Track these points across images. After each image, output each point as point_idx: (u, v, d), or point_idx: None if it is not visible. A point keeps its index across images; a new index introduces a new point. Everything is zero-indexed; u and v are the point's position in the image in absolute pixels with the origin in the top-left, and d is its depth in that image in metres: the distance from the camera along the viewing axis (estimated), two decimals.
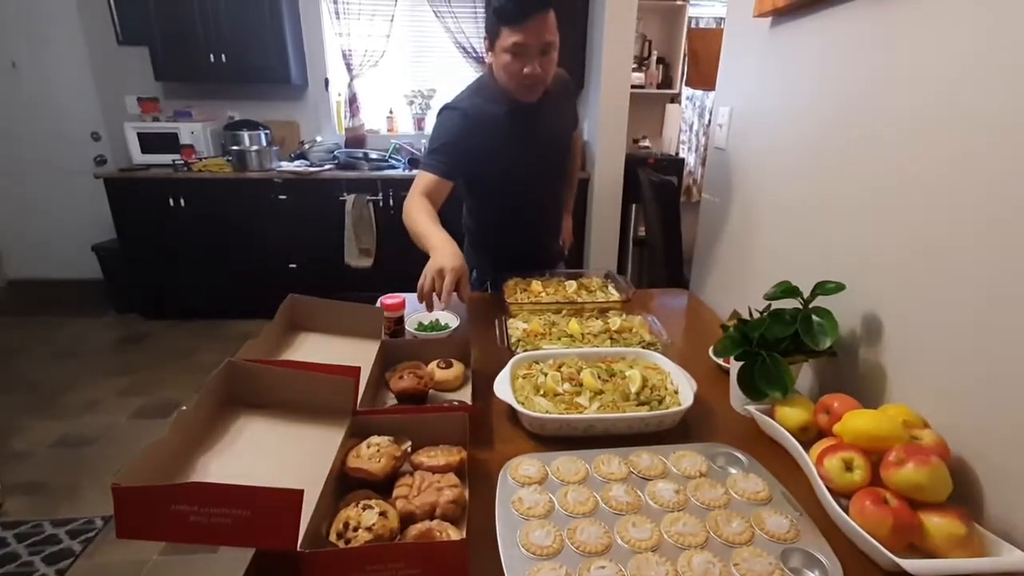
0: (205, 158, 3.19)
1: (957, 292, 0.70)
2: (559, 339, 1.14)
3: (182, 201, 3.04)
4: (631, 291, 1.33)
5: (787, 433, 0.78)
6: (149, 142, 3.25)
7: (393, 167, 3.26)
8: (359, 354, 0.97)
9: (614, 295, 1.35)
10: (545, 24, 1.18)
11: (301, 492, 0.53)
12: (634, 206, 3.36)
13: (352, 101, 3.49)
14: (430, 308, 1.14)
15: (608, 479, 0.73)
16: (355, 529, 0.60)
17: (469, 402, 0.93)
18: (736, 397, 0.94)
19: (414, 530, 0.63)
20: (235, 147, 3.12)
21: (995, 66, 0.65)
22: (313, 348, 0.99)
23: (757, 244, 1.23)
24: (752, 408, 0.86)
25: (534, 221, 1.54)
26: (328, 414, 0.77)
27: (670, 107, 3.59)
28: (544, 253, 1.61)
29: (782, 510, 0.67)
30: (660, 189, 2.46)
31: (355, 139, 3.47)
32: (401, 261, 3.25)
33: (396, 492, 0.69)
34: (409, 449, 0.78)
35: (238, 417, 0.74)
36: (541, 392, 0.90)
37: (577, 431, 0.84)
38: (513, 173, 1.39)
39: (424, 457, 0.75)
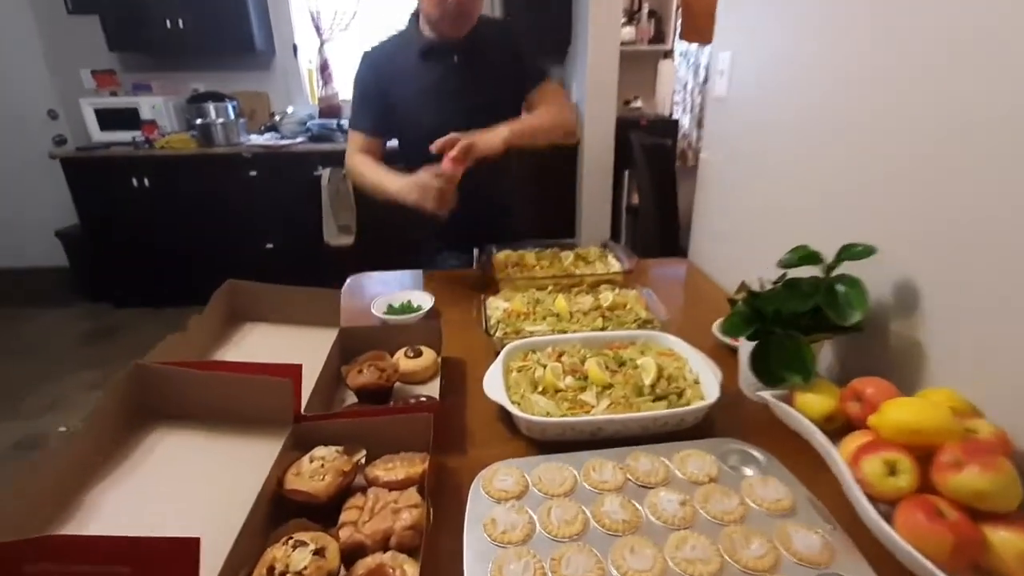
0: (168, 134, 2.99)
1: (1013, 252, 0.57)
2: (544, 319, 1.01)
3: (145, 181, 2.85)
4: (634, 261, 1.19)
5: (812, 426, 0.66)
6: (108, 119, 3.03)
7: None
8: (314, 345, 0.84)
9: (615, 266, 1.22)
10: None
11: (197, 541, 0.41)
12: (626, 172, 3.20)
13: (324, 68, 3.27)
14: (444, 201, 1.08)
15: (600, 489, 0.61)
16: (282, 575, 0.48)
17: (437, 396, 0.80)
18: (746, 380, 0.82)
19: (361, 568, 0.51)
20: (199, 120, 2.91)
21: None
22: (259, 341, 0.85)
23: (765, 205, 1.09)
24: (767, 395, 0.74)
25: (471, 190, 1.14)
26: (264, 423, 0.64)
27: (663, 64, 3.39)
28: (492, 228, 1.37)
29: (811, 523, 0.55)
30: (654, 152, 2.30)
31: (329, 109, 3.26)
32: (384, 238, 3.10)
33: (343, 517, 0.57)
34: (363, 460, 0.66)
35: (149, 432, 0.61)
36: (539, 388, 0.78)
37: (584, 435, 0.72)
38: (434, 130, 1.22)
39: (380, 470, 0.63)
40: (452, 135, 1.06)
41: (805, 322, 0.74)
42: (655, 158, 2.29)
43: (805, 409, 0.69)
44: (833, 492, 0.61)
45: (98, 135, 3.04)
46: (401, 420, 0.68)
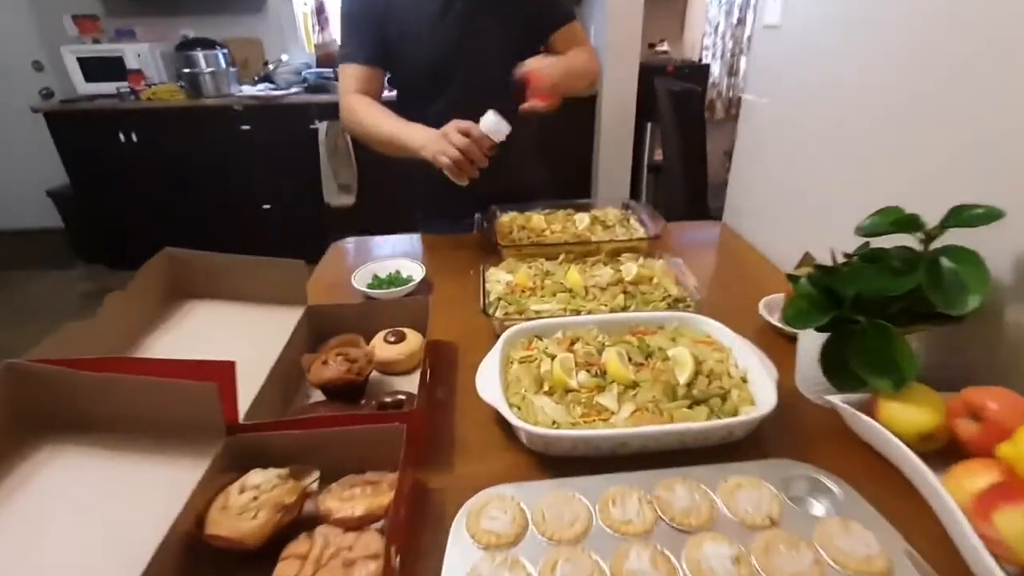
0: (155, 84, 2.79)
1: None
2: (554, 295, 0.84)
3: (133, 136, 2.67)
4: (660, 224, 1.01)
5: (906, 449, 0.50)
6: (92, 68, 2.84)
7: None
8: (274, 327, 0.69)
9: (638, 231, 1.04)
10: None
11: None
12: (649, 125, 2.94)
13: (320, 11, 3.01)
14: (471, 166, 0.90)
15: (622, 532, 0.46)
16: None
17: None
18: (807, 377, 0.66)
19: None
20: (187, 70, 2.71)
21: None
22: (202, 324, 0.70)
23: (826, 156, 0.89)
24: (838, 400, 0.58)
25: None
26: (190, 433, 0.50)
27: (693, 1, 3.06)
28: (495, 186, 1.07)
29: None
30: (681, 100, 2.06)
31: (326, 57, 3.01)
32: (388, 198, 2.91)
33: (278, 572, 0.43)
34: (315, 485, 0.51)
35: (36, 451, 0.47)
36: (545, 388, 0.62)
37: (601, 451, 0.57)
38: (438, 62, 1.05)
39: (334, 501, 0.48)
40: (535, 60, 0.92)
41: (894, 308, 0.56)
42: (683, 105, 2.05)
43: (893, 424, 0.53)
44: (930, 537, 0.45)
45: (84, 87, 2.86)
46: (366, 430, 0.53)
